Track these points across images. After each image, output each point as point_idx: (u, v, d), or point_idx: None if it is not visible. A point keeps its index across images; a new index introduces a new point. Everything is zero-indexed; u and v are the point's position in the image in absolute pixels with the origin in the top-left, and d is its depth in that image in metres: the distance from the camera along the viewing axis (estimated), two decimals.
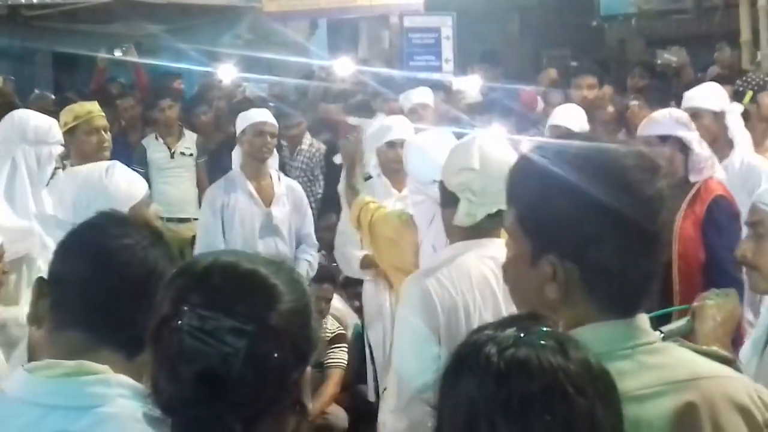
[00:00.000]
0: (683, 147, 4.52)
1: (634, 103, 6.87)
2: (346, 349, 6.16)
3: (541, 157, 1.76)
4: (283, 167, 7.08)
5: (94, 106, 5.77)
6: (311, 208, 6.52)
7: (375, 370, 5.54)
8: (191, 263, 1.67)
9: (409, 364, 3.00)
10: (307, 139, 7.85)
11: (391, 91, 7.46)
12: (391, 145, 5.41)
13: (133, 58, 10.18)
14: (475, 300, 3.02)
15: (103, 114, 5.78)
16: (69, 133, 5.50)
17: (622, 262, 1.71)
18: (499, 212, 3.07)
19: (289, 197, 5.94)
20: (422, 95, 7.13)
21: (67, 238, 2.01)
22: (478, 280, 3.05)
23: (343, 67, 9.93)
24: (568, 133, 5.37)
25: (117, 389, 1.77)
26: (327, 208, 6.79)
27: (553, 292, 1.72)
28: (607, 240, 1.69)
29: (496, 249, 3.01)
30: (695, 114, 5.04)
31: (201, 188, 7.59)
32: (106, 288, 1.88)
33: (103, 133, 5.61)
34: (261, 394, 1.55)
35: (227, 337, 1.53)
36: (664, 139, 4.54)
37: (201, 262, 1.65)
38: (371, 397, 5.61)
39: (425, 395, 2.89)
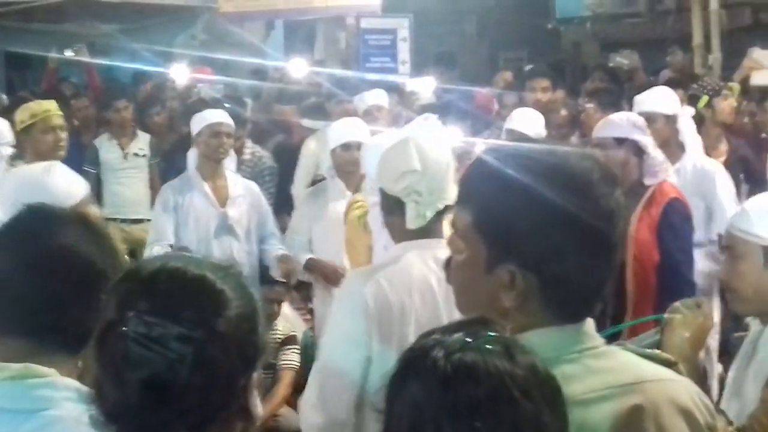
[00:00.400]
0: (638, 150, 4.58)
1: (588, 105, 6.93)
2: (298, 351, 6.14)
3: (502, 161, 1.72)
4: None
5: (51, 105, 5.75)
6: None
7: None
8: (137, 268, 1.64)
9: (334, 362, 2.97)
10: (248, 148, 7.76)
11: (346, 92, 7.44)
12: (346, 147, 5.40)
13: (85, 58, 10.09)
14: (414, 302, 2.97)
15: (61, 113, 5.74)
16: (24, 131, 5.51)
17: (582, 272, 1.70)
18: (446, 208, 3.11)
19: (246, 197, 5.90)
20: (377, 97, 7.12)
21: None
22: (419, 281, 3.02)
23: (298, 68, 9.90)
24: (524, 138, 5.43)
25: (63, 392, 1.75)
26: (280, 209, 6.76)
27: (509, 301, 1.70)
28: (570, 253, 1.68)
29: (441, 249, 2.92)
30: (648, 117, 5.09)
31: (154, 189, 7.53)
32: (43, 289, 1.83)
33: (59, 132, 5.59)
34: (208, 401, 1.53)
35: (174, 344, 1.50)
36: (620, 141, 4.60)
37: (147, 266, 1.62)
38: None
39: (346, 394, 2.93)
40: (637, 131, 4.64)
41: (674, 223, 4.54)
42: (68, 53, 10.06)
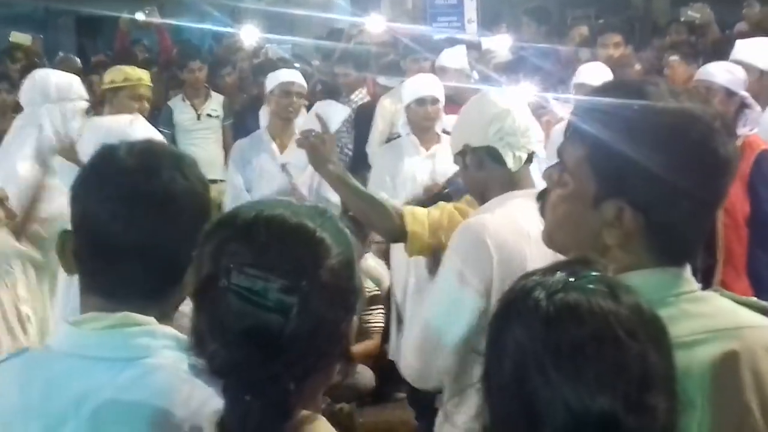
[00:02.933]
0: (742, 105, 4.60)
1: (673, 58, 6.81)
2: (383, 311, 6.14)
3: (625, 98, 1.71)
4: None
5: (145, 75, 5.97)
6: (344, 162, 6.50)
7: (399, 329, 5.53)
8: (232, 215, 1.59)
9: (444, 313, 2.90)
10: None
11: (419, 51, 7.40)
12: (421, 102, 5.38)
13: (156, 20, 10.17)
14: (532, 251, 2.83)
15: (151, 85, 5.87)
16: (112, 91, 5.65)
17: (689, 219, 1.70)
18: (530, 155, 3.11)
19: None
20: (456, 55, 7.06)
21: (88, 175, 1.84)
22: (535, 233, 2.97)
23: (376, 25, 9.84)
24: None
25: (162, 340, 1.75)
26: (357, 167, 6.76)
27: (613, 238, 1.69)
28: (682, 199, 1.67)
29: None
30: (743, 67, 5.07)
31: (227, 150, 7.58)
32: (143, 235, 1.77)
33: (145, 102, 5.75)
34: (313, 351, 1.52)
35: (278, 296, 1.48)
36: (730, 93, 4.62)
37: (243, 214, 1.57)
38: (393, 357, 5.60)
39: (449, 347, 2.86)
40: (744, 86, 4.72)
41: (766, 174, 4.52)
42: (139, 15, 10.13)
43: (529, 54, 7.72)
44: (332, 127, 3.71)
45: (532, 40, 8.69)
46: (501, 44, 8.68)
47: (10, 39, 10.03)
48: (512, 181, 3.08)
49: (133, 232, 1.76)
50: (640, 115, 1.68)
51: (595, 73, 6.21)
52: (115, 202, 1.77)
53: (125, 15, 10.17)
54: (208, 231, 1.58)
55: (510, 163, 3.06)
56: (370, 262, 6.27)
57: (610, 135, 1.70)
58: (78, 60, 9.83)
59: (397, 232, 3.53)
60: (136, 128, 3.38)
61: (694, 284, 1.75)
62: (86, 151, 3.86)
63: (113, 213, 1.77)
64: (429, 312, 2.97)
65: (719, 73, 4.81)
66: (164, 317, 1.80)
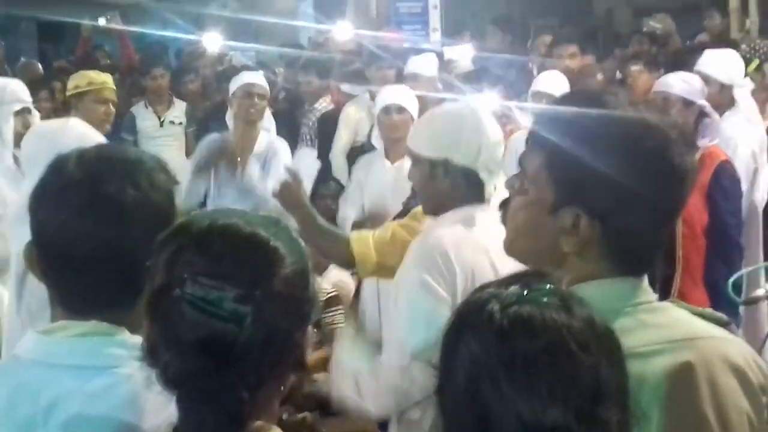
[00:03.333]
0: (701, 114, 4.65)
1: (635, 68, 6.86)
2: (342, 311, 6.13)
3: (583, 107, 1.73)
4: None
5: (108, 78, 6.03)
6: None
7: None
8: (186, 224, 1.59)
9: (418, 327, 2.87)
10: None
11: (382, 59, 7.39)
12: (386, 110, 5.32)
13: (118, 26, 10.12)
14: (493, 268, 2.89)
15: (114, 88, 5.87)
16: (77, 97, 5.69)
17: (646, 227, 1.71)
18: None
19: (263, 155, 5.83)
20: (424, 63, 7.04)
21: (39, 188, 1.82)
22: (493, 247, 2.94)
23: (342, 32, 9.83)
24: (551, 99, 5.46)
25: (133, 351, 1.71)
26: (321, 176, 6.73)
27: (570, 245, 1.71)
28: (639, 206, 1.69)
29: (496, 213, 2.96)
30: (705, 79, 5.13)
31: (190, 156, 7.55)
32: (95, 247, 1.75)
33: (110, 106, 5.79)
34: (267, 359, 1.52)
35: (232, 306, 1.48)
36: (688, 103, 4.67)
37: (197, 223, 1.57)
38: None
39: (426, 358, 2.86)
40: (702, 95, 4.76)
41: (724, 185, 4.62)
42: (101, 21, 10.07)
43: (490, 64, 7.74)
44: (306, 179, 3.90)
45: (496, 49, 8.71)
46: (463, 54, 8.69)
47: None
48: (474, 201, 3.11)
49: (84, 244, 1.75)
50: (596, 124, 1.70)
51: (552, 81, 6.23)
52: (64, 215, 1.76)
53: (87, 21, 10.09)
54: (161, 240, 1.58)
55: (487, 192, 3.09)
56: (335, 271, 6.26)
57: (567, 143, 1.71)
58: (39, 65, 9.76)
59: (349, 259, 3.59)
60: (68, 132, 3.35)
61: (651, 294, 1.76)
62: (26, 157, 3.87)
63: (63, 226, 1.76)
64: (404, 332, 2.95)
65: (676, 83, 4.86)
66: (135, 326, 1.78)
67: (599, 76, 7.35)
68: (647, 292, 1.75)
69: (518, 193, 1.80)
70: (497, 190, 3.08)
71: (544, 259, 1.73)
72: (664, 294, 1.88)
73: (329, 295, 6.07)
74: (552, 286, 1.48)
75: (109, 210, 1.76)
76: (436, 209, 3.18)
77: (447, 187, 3.12)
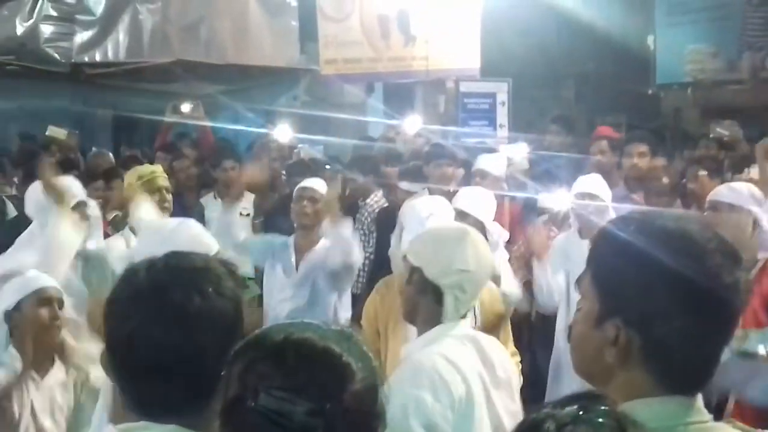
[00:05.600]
0: (753, 222, 4.57)
1: (702, 173, 6.84)
2: None
3: (624, 227, 1.79)
4: None
5: (157, 167, 6.19)
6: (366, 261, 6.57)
7: None
8: (261, 337, 1.64)
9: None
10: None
11: (446, 156, 7.45)
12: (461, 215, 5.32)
13: (200, 116, 10.34)
14: (482, 376, 3.07)
15: (166, 175, 6.03)
16: (132, 191, 5.83)
17: (686, 341, 1.73)
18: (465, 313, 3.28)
19: (314, 257, 5.86)
20: (495, 161, 7.13)
21: (112, 297, 1.91)
22: (469, 374, 3.08)
23: (413, 126, 9.93)
24: (593, 199, 5.49)
25: None
26: (378, 271, 6.76)
27: (611, 356, 1.75)
28: (674, 317, 1.71)
29: (469, 329, 3.20)
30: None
31: None
32: (160, 354, 1.82)
33: (164, 192, 5.90)
34: None
35: (303, 419, 1.53)
36: (735, 209, 4.62)
37: (271, 336, 1.63)
38: None
39: None
40: (755, 203, 4.64)
41: None
42: (185, 107, 10.29)
43: (548, 162, 7.76)
44: None
45: (558, 147, 8.72)
46: (518, 152, 8.74)
47: (47, 133, 10.23)
48: (438, 318, 3.18)
49: (153, 352, 1.81)
50: (636, 235, 1.76)
51: (592, 184, 6.20)
52: (134, 323, 1.83)
53: (165, 113, 10.31)
54: (237, 350, 1.63)
55: (447, 312, 3.16)
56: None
57: (609, 255, 1.80)
58: (111, 155, 9.97)
59: None
60: (182, 233, 3.42)
61: (705, 414, 1.76)
62: (138, 252, 3.96)
63: (132, 334, 1.83)
64: None
65: (726, 191, 4.83)
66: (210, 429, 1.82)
67: (665, 180, 7.31)
68: (701, 412, 1.75)
69: (579, 310, 1.86)
70: (459, 315, 3.19)
71: (594, 373, 1.78)
72: (718, 416, 1.87)
73: None
74: (608, 408, 1.49)
75: (176, 318, 1.83)
76: (409, 315, 3.32)
77: (415, 294, 3.24)
